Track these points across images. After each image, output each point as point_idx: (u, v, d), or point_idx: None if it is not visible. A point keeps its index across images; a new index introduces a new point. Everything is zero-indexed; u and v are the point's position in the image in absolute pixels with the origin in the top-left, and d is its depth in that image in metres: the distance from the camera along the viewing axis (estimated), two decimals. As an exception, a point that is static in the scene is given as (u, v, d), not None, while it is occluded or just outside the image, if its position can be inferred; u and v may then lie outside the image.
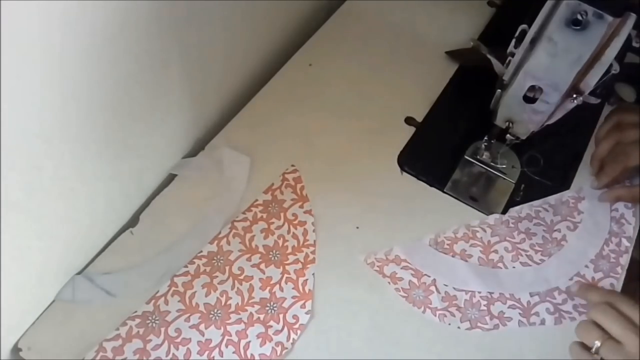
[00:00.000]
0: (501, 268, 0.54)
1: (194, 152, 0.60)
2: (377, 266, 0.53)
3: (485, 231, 0.56)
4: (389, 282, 0.52)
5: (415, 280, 0.53)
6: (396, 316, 0.51)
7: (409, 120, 0.65)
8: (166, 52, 0.48)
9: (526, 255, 0.55)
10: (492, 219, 0.57)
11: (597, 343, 0.44)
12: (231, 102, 0.65)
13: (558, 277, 0.53)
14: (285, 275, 0.52)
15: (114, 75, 0.43)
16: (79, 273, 0.51)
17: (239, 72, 0.65)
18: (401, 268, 0.53)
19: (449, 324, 0.51)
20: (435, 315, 0.51)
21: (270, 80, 0.66)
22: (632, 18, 0.42)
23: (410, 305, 0.51)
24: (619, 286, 0.53)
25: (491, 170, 0.61)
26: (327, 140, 0.62)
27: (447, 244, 0.55)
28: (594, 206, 0.58)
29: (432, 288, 0.52)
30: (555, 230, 0.56)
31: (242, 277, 0.52)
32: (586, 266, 0.54)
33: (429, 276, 0.53)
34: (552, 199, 0.59)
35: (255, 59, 0.66)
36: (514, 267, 0.54)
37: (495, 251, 0.55)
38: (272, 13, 0.65)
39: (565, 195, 0.59)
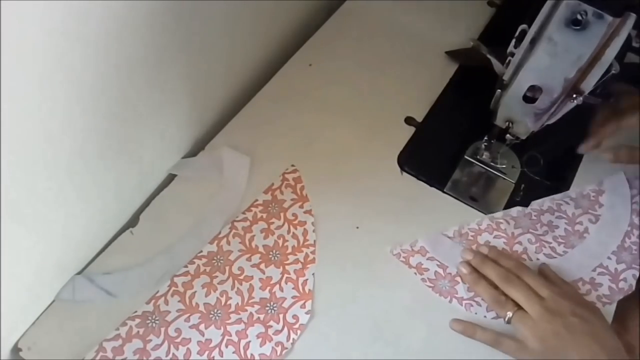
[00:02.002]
0: (525, 260, 0.54)
1: (194, 152, 0.60)
2: (403, 257, 0.54)
3: (508, 223, 0.56)
4: (415, 273, 0.53)
5: (441, 271, 0.53)
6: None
7: (409, 120, 0.65)
8: (167, 53, 0.48)
9: (549, 247, 0.55)
10: (515, 211, 0.57)
11: (509, 314, 0.48)
12: (231, 102, 0.65)
13: (581, 268, 0.54)
14: (285, 275, 0.52)
15: (115, 76, 0.43)
16: (79, 273, 0.51)
17: (239, 72, 0.65)
18: (427, 259, 0.54)
19: (475, 314, 0.51)
20: (462, 305, 0.52)
21: (270, 80, 0.66)
22: (632, 18, 0.42)
23: (437, 295, 0.52)
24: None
25: (491, 170, 0.61)
26: (327, 140, 0.62)
27: (471, 236, 0.55)
28: (614, 199, 0.58)
29: (458, 279, 0.53)
30: (577, 223, 0.57)
31: (242, 277, 0.52)
32: (609, 258, 0.55)
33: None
34: (572, 192, 0.59)
35: (256, 59, 0.66)
36: (537, 259, 0.54)
37: (519, 242, 0.55)
38: (272, 13, 0.65)
39: (587, 188, 0.59)
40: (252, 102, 0.64)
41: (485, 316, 0.51)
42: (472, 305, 0.52)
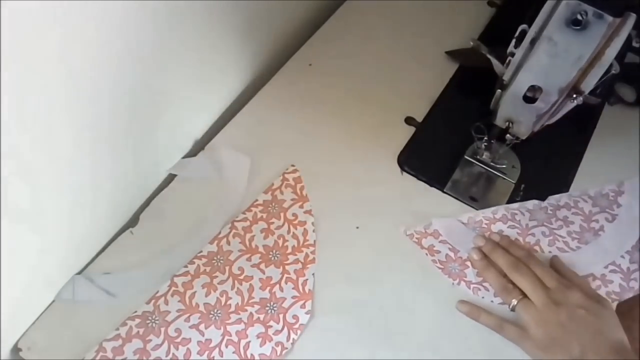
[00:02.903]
0: (537, 252, 0.55)
1: (194, 152, 0.60)
2: (416, 238, 0.55)
3: (524, 215, 0.56)
4: (427, 254, 0.55)
5: (452, 254, 0.55)
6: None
7: (409, 120, 0.65)
8: (166, 52, 0.48)
9: (563, 241, 0.55)
10: (531, 204, 0.57)
11: (514, 301, 0.49)
12: (231, 102, 0.65)
13: (592, 264, 0.54)
14: (285, 275, 0.52)
15: (116, 77, 0.43)
16: (78, 273, 0.51)
17: (239, 72, 0.64)
18: (439, 242, 0.55)
19: (482, 298, 0.52)
20: (470, 288, 0.53)
21: (270, 80, 0.66)
22: (632, 18, 0.42)
23: (446, 276, 0.53)
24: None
25: (491, 170, 0.61)
26: (327, 140, 0.62)
27: (485, 224, 0.56)
28: (633, 201, 0.58)
29: (468, 263, 0.54)
30: (593, 220, 0.57)
31: (242, 277, 0.52)
32: (622, 256, 0.55)
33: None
34: (592, 191, 0.59)
35: (255, 58, 0.66)
36: (550, 252, 0.55)
37: (533, 234, 0.55)
38: (272, 13, 0.65)
39: (606, 188, 0.59)
40: (252, 102, 0.64)
41: (492, 301, 0.52)
42: (479, 290, 0.52)
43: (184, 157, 0.59)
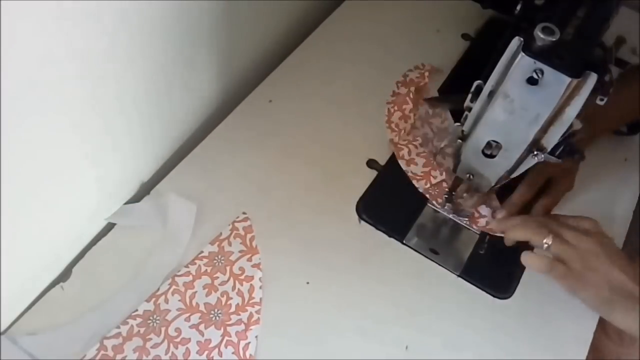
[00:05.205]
0: None
1: (138, 197, 0.56)
2: None
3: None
4: None
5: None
6: None
7: (370, 163, 0.61)
8: (113, 85, 0.45)
9: None
10: None
11: (549, 241, 0.47)
12: (184, 141, 0.61)
13: None
14: (226, 338, 0.48)
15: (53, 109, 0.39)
16: (2, 333, 0.47)
17: (192, 107, 0.61)
18: None
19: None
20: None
21: (226, 119, 0.63)
22: (592, 77, 0.39)
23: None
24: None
25: (456, 219, 0.58)
26: (283, 185, 0.59)
27: None
28: None
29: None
30: None
31: (178, 341, 0.48)
32: None
33: None
34: None
35: (212, 94, 0.63)
36: None
37: None
38: (229, 49, 0.62)
39: None
40: (204, 142, 0.61)
41: None
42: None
43: (126, 203, 0.56)
